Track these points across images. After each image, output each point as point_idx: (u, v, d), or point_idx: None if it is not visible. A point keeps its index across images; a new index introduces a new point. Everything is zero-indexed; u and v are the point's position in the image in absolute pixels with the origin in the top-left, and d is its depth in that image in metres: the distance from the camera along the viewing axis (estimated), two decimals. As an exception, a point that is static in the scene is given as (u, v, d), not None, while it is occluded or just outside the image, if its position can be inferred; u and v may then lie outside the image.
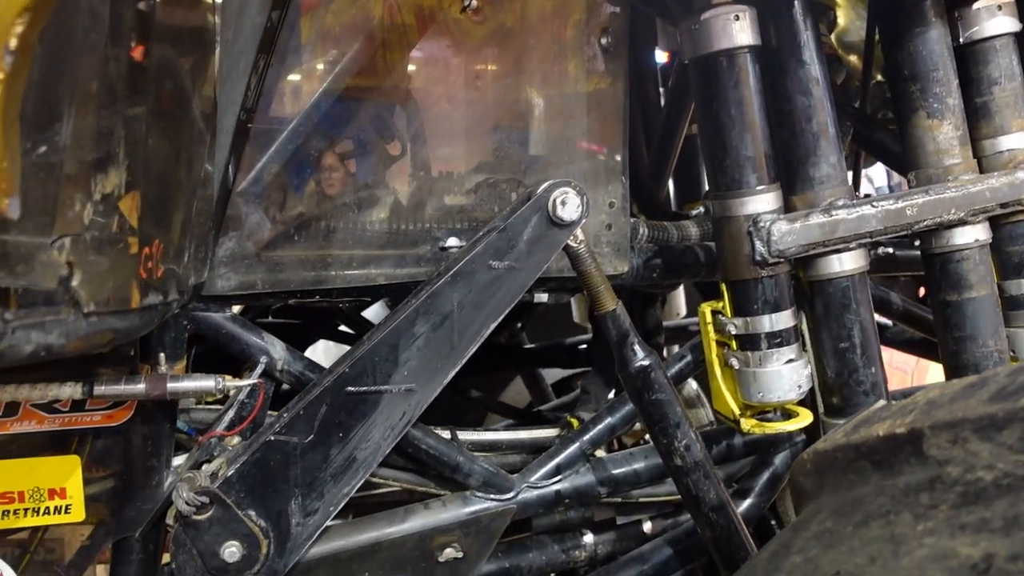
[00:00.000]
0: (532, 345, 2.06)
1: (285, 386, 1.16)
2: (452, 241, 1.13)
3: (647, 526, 1.42)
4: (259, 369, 1.07)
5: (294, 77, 1.13)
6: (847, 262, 1.14)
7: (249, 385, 1.05)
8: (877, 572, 0.53)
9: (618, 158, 1.21)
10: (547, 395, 2.07)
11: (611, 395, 1.63)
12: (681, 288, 2.05)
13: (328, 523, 1.05)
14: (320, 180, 1.12)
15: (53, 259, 0.60)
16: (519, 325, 2.08)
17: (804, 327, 1.20)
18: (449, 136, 1.20)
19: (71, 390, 0.95)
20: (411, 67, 1.18)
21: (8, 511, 1.02)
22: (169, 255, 0.78)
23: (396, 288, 1.13)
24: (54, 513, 1.04)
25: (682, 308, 2.04)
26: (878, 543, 0.56)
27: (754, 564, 0.67)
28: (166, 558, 1.13)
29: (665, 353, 1.88)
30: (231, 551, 1.00)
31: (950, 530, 0.52)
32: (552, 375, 2.24)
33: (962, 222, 1.14)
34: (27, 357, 0.62)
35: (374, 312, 2.12)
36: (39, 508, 1.03)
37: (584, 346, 2.02)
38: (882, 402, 1.02)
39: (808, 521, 0.66)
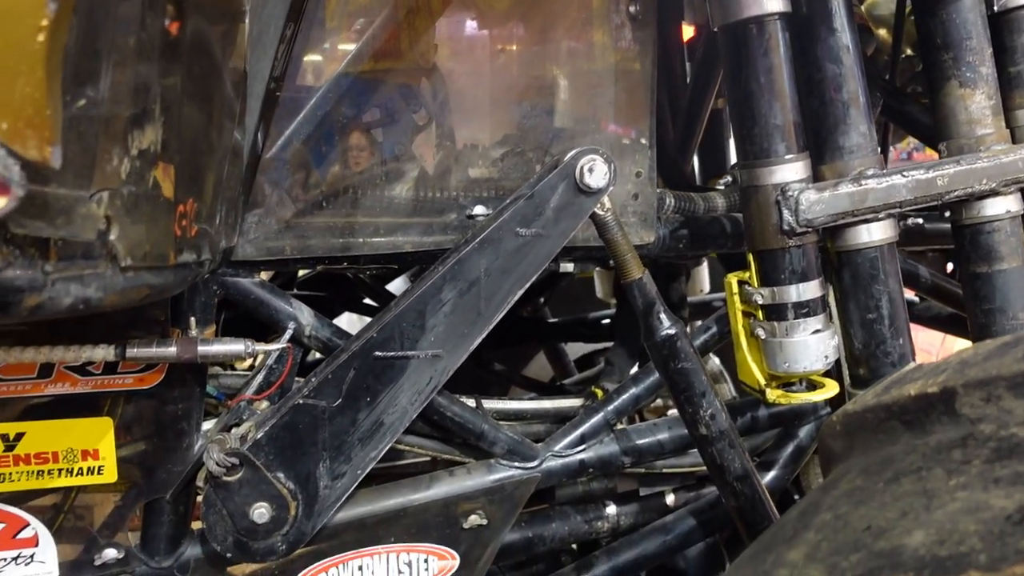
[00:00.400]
0: (555, 319, 2.06)
1: (311, 357, 1.17)
2: (479, 209, 1.13)
3: (670, 498, 1.42)
4: (287, 334, 1.08)
5: (322, 45, 1.13)
6: (876, 232, 1.13)
7: (278, 349, 1.07)
8: (909, 525, 0.53)
9: (645, 128, 1.21)
10: (569, 370, 2.07)
11: (635, 368, 1.63)
12: (705, 264, 2.04)
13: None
14: (347, 148, 1.12)
15: (92, 212, 0.60)
16: (542, 300, 2.08)
17: (831, 298, 1.19)
18: (475, 106, 1.20)
19: (104, 352, 0.96)
20: (438, 36, 1.17)
21: (42, 471, 1.04)
22: (202, 215, 0.78)
23: (423, 256, 1.13)
24: (87, 474, 1.06)
25: (706, 284, 2.03)
26: (910, 498, 0.56)
27: (783, 522, 0.67)
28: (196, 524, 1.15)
29: (689, 329, 1.87)
30: (260, 512, 1.01)
31: (983, 484, 0.52)
32: (574, 352, 2.24)
33: (993, 193, 1.13)
34: (66, 310, 0.63)
35: (396, 287, 2.13)
36: (72, 469, 1.05)
37: (607, 321, 2.02)
38: (913, 364, 1.02)
39: (837, 480, 0.66)
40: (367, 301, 1.90)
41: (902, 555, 0.51)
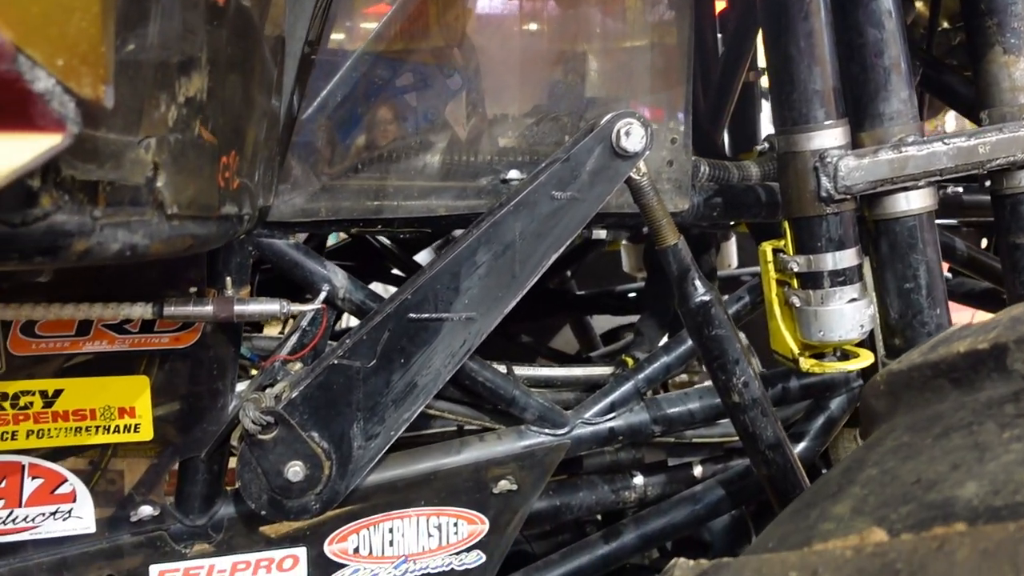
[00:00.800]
0: (582, 292, 2.06)
1: (341, 327, 1.17)
2: (513, 174, 1.13)
3: (697, 470, 1.42)
4: (322, 295, 1.09)
5: (357, 9, 1.12)
6: (915, 200, 1.12)
7: (313, 310, 1.07)
8: (961, 477, 0.52)
9: (681, 93, 1.20)
10: (595, 343, 2.07)
11: (664, 340, 1.63)
12: (733, 239, 2.03)
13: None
14: (381, 112, 1.12)
15: (140, 158, 0.61)
16: (569, 273, 2.08)
17: (867, 267, 1.18)
18: (509, 71, 1.19)
19: (142, 310, 0.97)
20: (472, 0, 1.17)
21: (80, 428, 1.05)
22: (243, 170, 0.78)
23: (456, 219, 1.13)
24: (124, 431, 1.07)
25: (734, 260, 2.02)
26: (961, 451, 0.55)
27: (826, 479, 0.67)
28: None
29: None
30: (295, 470, 1.02)
31: (1038, 436, 0.51)
32: (599, 327, 2.24)
33: (1036, 161, 1.11)
34: (113, 256, 0.63)
35: (423, 259, 2.13)
36: (109, 426, 1.06)
37: (633, 295, 2.01)
38: (960, 324, 1.01)
39: (882, 439, 0.66)
40: (395, 272, 1.90)
41: (954, 506, 0.50)
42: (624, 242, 2.05)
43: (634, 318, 1.93)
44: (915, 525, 0.50)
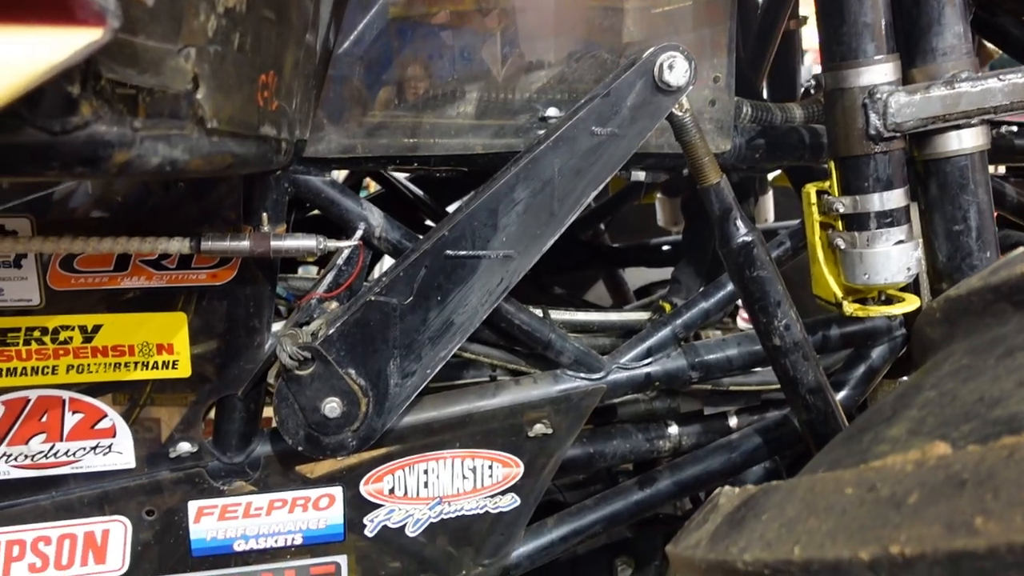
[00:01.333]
0: (616, 245, 2.04)
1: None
2: (551, 111, 1.11)
3: (732, 420, 1.40)
4: (358, 233, 1.08)
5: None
6: (967, 139, 1.08)
7: (349, 247, 1.06)
8: (1028, 393, 0.50)
9: (724, 31, 1.16)
10: (628, 298, 2.05)
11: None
12: (770, 193, 1.99)
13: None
14: (418, 48, 1.10)
15: (180, 66, 0.59)
16: (602, 226, 2.06)
17: (914, 210, 1.15)
18: (548, 7, 1.16)
19: (179, 244, 0.97)
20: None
21: (119, 363, 1.06)
22: (281, 92, 0.77)
23: (493, 158, 1.11)
24: (162, 368, 1.07)
25: (770, 214, 1.98)
26: (1026, 369, 0.53)
27: (878, 407, 0.65)
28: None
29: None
30: (331, 407, 1.02)
31: (1110, 350, 0.49)
32: (632, 283, 2.22)
33: (1096, 99, 1.07)
34: (153, 170, 0.62)
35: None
36: (148, 362, 1.06)
37: (668, 247, 1.99)
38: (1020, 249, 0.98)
39: (940, 363, 0.64)
40: (428, 223, 1.89)
41: (1022, 420, 0.48)
42: (659, 195, 2.03)
43: (667, 275, 1.90)
44: (981, 439, 0.48)
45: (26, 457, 1.05)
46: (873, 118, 1.05)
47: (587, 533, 1.30)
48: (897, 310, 1.11)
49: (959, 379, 0.58)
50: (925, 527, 0.44)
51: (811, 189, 1.15)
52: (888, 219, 1.09)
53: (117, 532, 1.10)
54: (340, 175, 1.88)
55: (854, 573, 0.47)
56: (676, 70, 1.01)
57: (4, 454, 1.05)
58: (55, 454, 1.07)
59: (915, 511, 0.46)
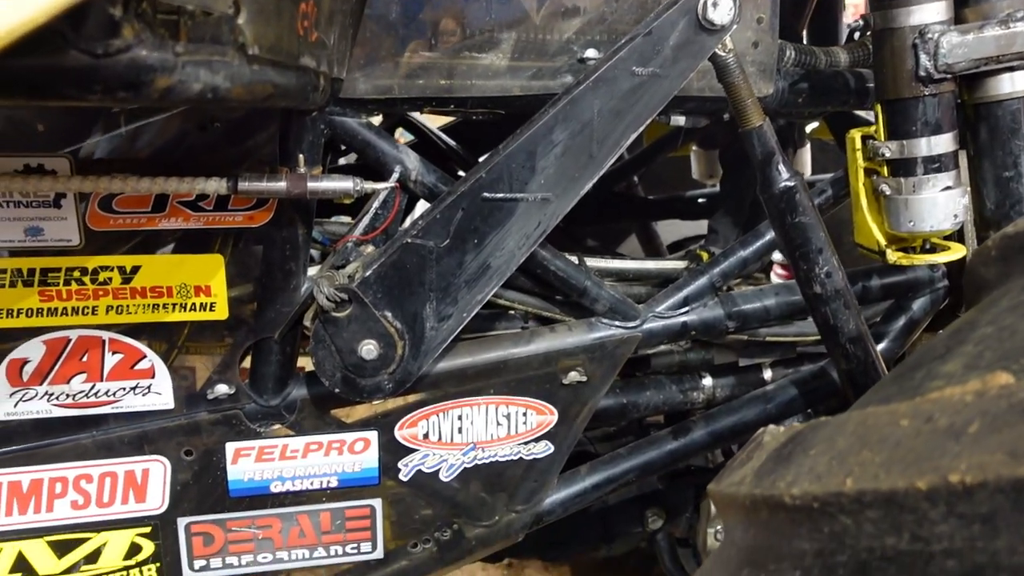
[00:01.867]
0: (650, 197, 2.01)
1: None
2: (591, 53, 1.09)
3: (767, 373, 1.39)
4: (395, 175, 1.07)
5: None
6: (1020, 82, 1.05)
7: (386, 188, 1.05)
8: (1095, 323, 0.48)
9: (769, -31, 1.13)
10: (661, 251, 2.03)
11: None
12: (808, 146, 1.95)
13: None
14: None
15: (222, -11, 0.59)
16: (635, 178, 2.03)
17: (962, 156, 1.12)
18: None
19: (216, 184, 0.96)
20: None
21: (158, 305, 1.06)
22: (320, 23, 0.76)
23: (531, 100, 1.09)
24: (199, 310, 1.08)
25: (808, 167, 1.94)
26: (1092, 301, 0.51)
27: (931, 344, 0.63)
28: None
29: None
30: (368, 349, 1.02)
31: None
32: (665, 238, 2.19)
33: None
34: (195, 96, 0.62)
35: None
36: (186, 304, 1.07)
37: (703, 200, 1.96)
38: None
39: (996, 300, 0.62)
40: (461, 174, 1.87)
41: (1089, 350, 0.47)
42: (694, 148, 1.99)
43: (701, 229, 1.88)
44: (1043, 371, 0.47)
45: (67, 396, 1.07)
46: (923, 59, 1.02)
47: (620, 481, 1.30)
48: (943, 258, 1.09)
49: (1017, 315, 0.56)
50: (987, 455, 0.43)
51: (856, 135, 1.12)
52: (936, 164, 1.06)
53: (157, 471, 1.12)
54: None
55: (910, 504, 0.46)
56: (720, 8, 0.98)
57: (46, 393, 1.06)
58: (95, 394, 1.08)
59: (976, 440, 0.44)
